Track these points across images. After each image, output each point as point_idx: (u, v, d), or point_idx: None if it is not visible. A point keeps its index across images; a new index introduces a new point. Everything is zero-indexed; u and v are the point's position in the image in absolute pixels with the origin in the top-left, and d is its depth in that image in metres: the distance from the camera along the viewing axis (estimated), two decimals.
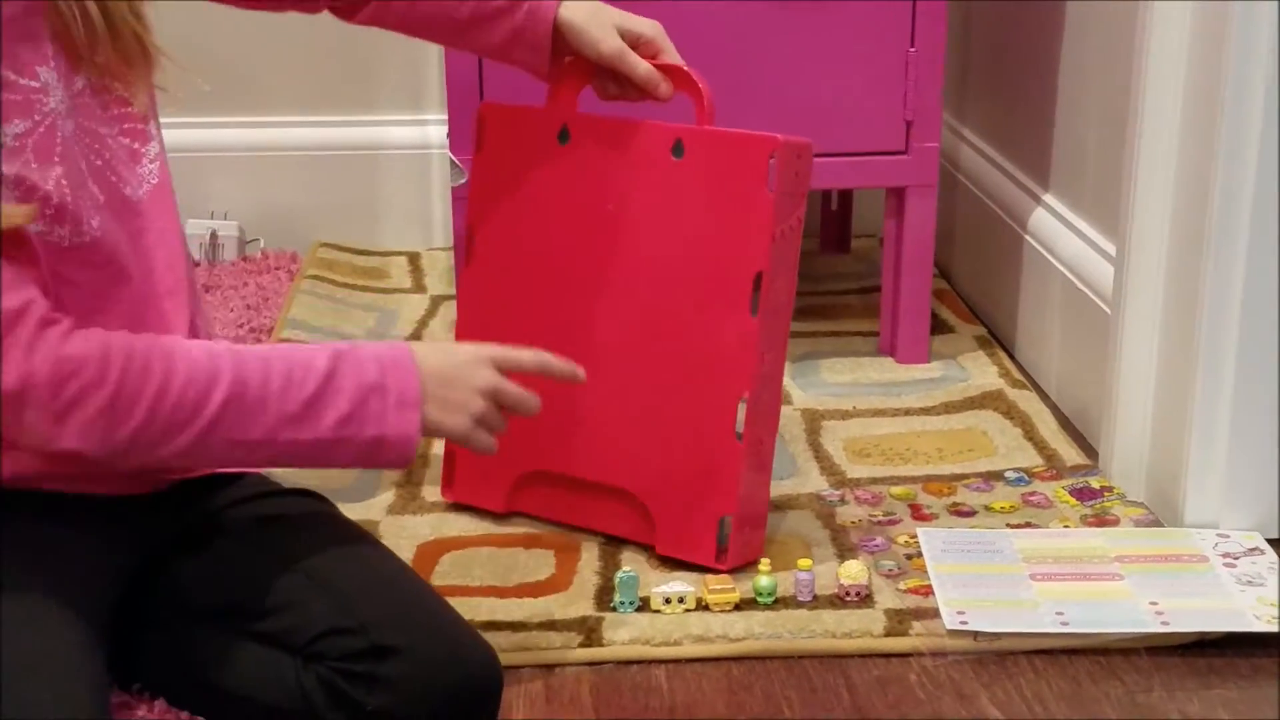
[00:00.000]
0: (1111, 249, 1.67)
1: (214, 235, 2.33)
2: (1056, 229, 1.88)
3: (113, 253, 1.15)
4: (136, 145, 1.19)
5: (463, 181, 1.84)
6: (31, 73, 1.10)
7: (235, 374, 1.10)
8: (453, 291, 1.98)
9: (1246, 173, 1.44)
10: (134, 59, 1.15)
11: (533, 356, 1.25)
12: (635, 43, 1.42)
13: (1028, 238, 1.95)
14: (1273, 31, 1.41)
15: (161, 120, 1.23)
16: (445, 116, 1.87)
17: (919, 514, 1.58)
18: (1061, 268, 1.84)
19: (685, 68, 1.43)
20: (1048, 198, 1.94)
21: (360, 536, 1.28)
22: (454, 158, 1.84)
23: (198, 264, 2.30)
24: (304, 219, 2.40)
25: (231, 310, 2.11)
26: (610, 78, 1.44)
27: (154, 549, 1.22)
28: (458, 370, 1.19)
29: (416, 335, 2.06)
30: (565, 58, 1.44)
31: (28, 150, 1.09)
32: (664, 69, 1.43)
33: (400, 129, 2.37)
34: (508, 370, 1.22)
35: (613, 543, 1.51)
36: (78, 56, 1.12)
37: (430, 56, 2.29)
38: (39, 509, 1.15)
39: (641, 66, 1.42)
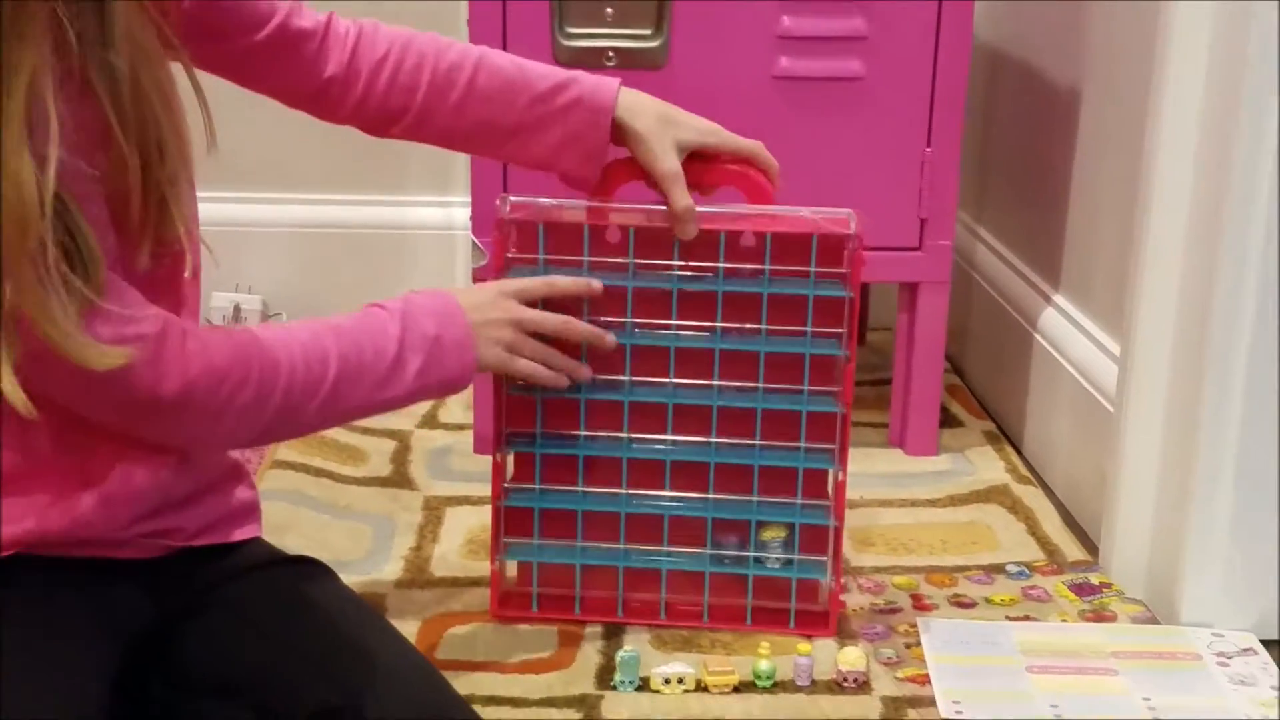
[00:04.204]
0: (1117, 350, 1.70)
1: (237, 308, 2.37)
2: (1065, 329, 1.91)
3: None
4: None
5: (484, 263, 1.88)
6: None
7: (339, 350, 1.23)
8: None
9: (1249, 279, 1.47)
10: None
11: (542, 280, 1.44)
12: (696, 153, 1.43)
13: (1037, 336, 1.98)
14: (1275, 151, 1.44)
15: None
16: (470, 199, 1.91)
17: (920, 604, 1.59)
18: (1069, 367, 1.87)
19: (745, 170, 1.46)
20: (1058, 298, 1.97)
21: (360, 611, 1.27)
22: (476, 240, 1.88)
23: None
24: (327, 295, 2.43)
25: None
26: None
27: (158, 616, 1.22)
28: (485, 311, 1.36)
29: (433, 413, 2.09)
30: (612, 159, 1.43)
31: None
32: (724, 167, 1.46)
33: (426, 210, 2.41)
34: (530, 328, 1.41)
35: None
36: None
37: None
38: (41, 576, 1.15)
39: (682, 203, 1.42)
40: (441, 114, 1.38)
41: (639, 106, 1.41)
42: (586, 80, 1.41)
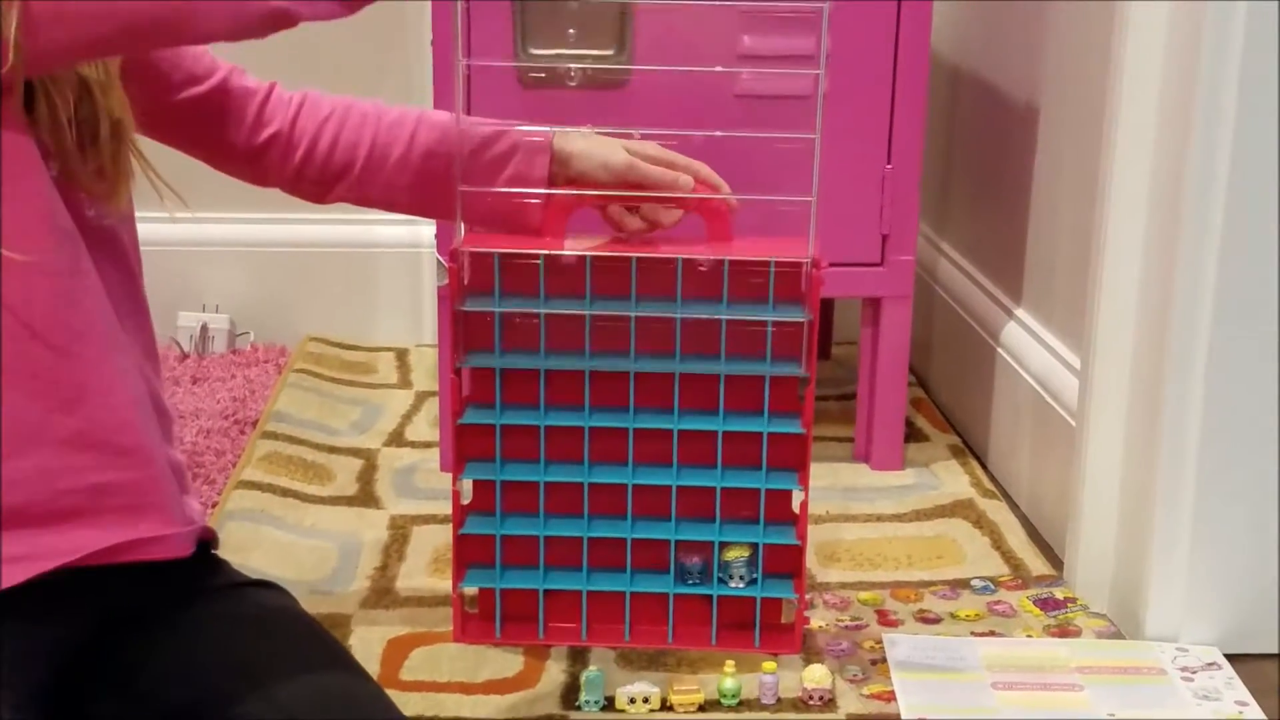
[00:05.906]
0: (1078, 363, 1.71)
1: (204, 328, 2.37)
2: (1027, 342, 1.92)
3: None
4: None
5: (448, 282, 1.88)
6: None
7: None
8: (438, 388, 2.01)
9: (1206, 292, 1.48)
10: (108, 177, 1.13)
11: None
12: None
13: (999, 350, 1.99)
14: (1228, 164, 1.45)
15: (157, 215, 1.24)
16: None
17: (885, 619, 1.60)
18: (1031, 380, 1.88)
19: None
20: (1019, 312, 1.98)
21: (317, 641, 1.22)
22: (440, 258, 1.88)
23: (186, 356, 2.34)
24: (294, 313, 2.44)
25: (218, 402, 2.14)
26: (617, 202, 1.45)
27: (103, 631, 1.18)
28: None
29: (400, 431, 2.09)
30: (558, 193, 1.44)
31: None
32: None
33: (391, 227, 2.41)
34: None
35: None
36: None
37: None
38: None
39: (655, 171, 1.43)
40: (385, 170, 1.39)
41: (573, 136, 1.43)
42: (519, 129, 1.43)
